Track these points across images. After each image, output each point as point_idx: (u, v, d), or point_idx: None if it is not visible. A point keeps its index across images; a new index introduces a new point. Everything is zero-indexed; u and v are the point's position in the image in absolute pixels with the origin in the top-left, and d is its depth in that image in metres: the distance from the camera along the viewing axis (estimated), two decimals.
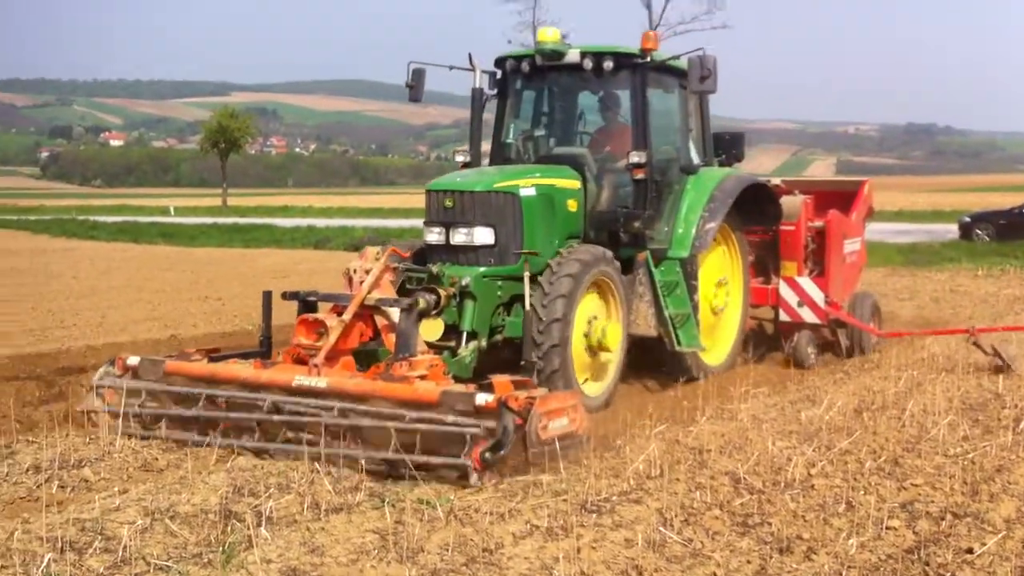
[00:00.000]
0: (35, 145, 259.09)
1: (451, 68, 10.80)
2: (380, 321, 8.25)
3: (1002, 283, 20.37)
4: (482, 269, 9.23)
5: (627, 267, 10.05)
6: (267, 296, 8.78)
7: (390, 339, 8.13)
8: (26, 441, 7.52)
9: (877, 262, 23.43)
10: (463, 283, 8.94)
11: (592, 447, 7.02)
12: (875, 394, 9.18)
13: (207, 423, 7.58)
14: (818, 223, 12.33)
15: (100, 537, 5.32)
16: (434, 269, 9.03)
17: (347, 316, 7.98)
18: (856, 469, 6.72)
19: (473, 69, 10.71)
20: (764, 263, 12.32)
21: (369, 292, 8.14)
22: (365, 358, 8.32)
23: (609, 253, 9.68)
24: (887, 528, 5.60)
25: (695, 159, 11.07)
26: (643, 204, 10.25)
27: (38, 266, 26.36)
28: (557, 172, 10.05)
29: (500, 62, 11.00)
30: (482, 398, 6.67)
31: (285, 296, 8.66)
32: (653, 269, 10.18)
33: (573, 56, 10.42)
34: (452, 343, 8.86)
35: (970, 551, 5.28)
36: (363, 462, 6.71)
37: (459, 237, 9.35)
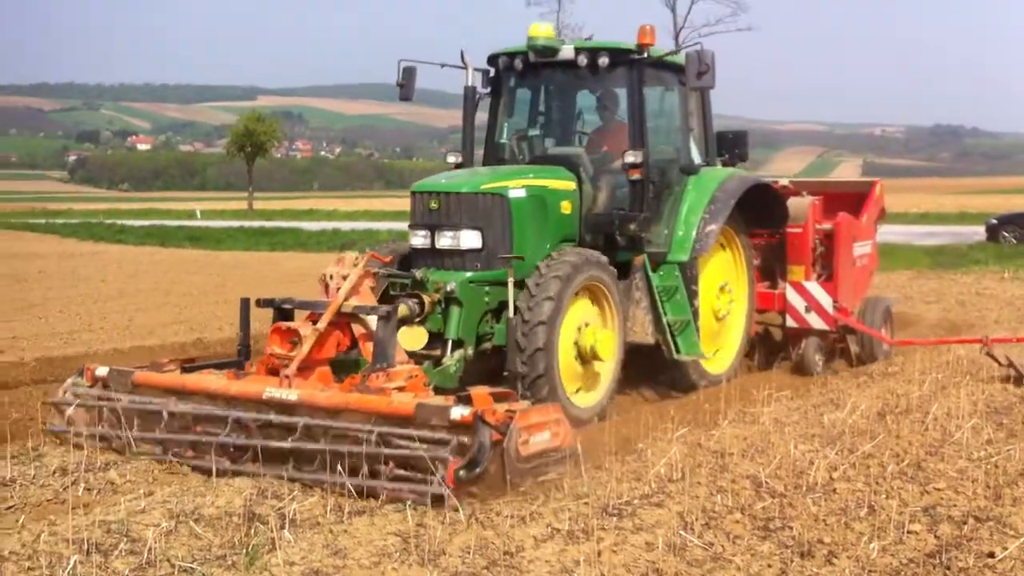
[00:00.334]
0: (63, 149, 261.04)
1: (443, 66, 10.55)
2: (358, 330, 7.87)
3: None
4: (469, 274, 8.85)
5: (625, 272, 9.68)
6: (244, 303, 8.42)
7: (368, 348, 7.71)
8: (53, 444, 7.61)
9: (903, 264, 23.39)
10: (448, 289, 8.57)
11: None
12: (899, 398, 9.15)
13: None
14: (826, 225, 11.97)
15: (125, 539, 5.38)
16: (418, 274, 8.71)
17: (322, 324, 7.58)
18: (878, 473, 6.71)
19: (465, 67, 10.42)
20: (771, 267, 11.94)
21: (346, 299, 7.76)
22: (347, 368, 7.92)
23: (602, 257, 9.26)
24: (909, 532, 5.59)
25: (696, 159, 10.70)
26: (640, 206, 9.86)
27: (66, 269, 26.57)
28: (551, 173, 9.70)
29: (493, 59, 10.62)
30: (458, 412, 6.30)
31: (259, 303, 8.30)
32: (651, 273, 9.79)
33: (567, 52, 10.08)
34: (437, 352, 8.50)
35: (992, 555, 5.27)
36: (327, 487, 6.39)
37: (445, 240, 9.00)
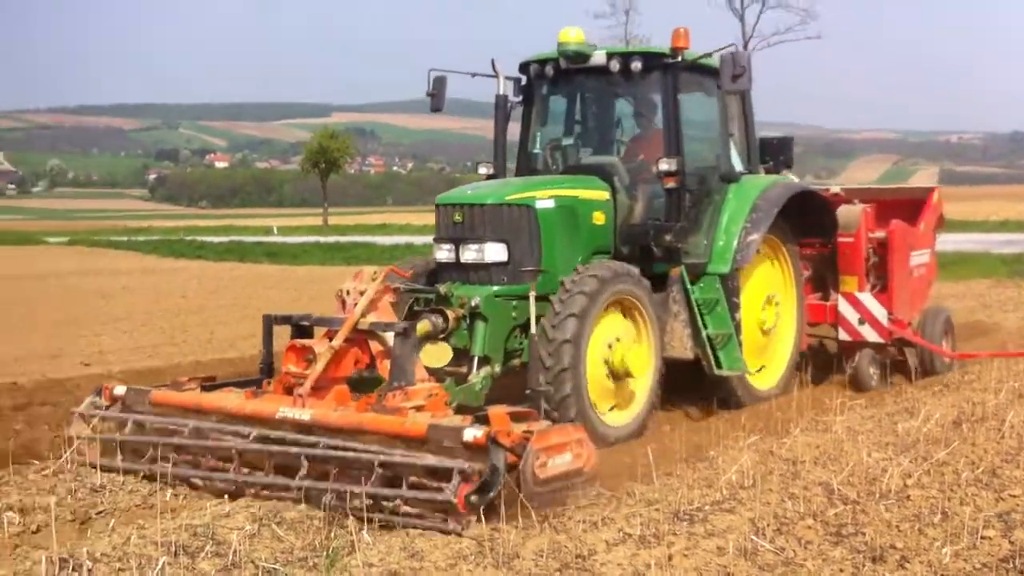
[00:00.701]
0: (143, 168, 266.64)
1: (473, 75, 10.38)
2: (375, 347, 7.59)
3: None
4: (494, 288, 8.57)
5: (662, 284, 9.36)
6: (268, 320, 8.18)
7: (385, 366, 7.46)
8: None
9: (981, 273, 23.01)
10: (473, 304, 8.27)
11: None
12: (974, 406, 9.04)
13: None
14: (880, 234, 11.40)
15: (211, 542, 5.59)
16: (442, 289, 8.46)
17: (336, 342, 7.32)
18: (953, 480, 6.67)
19: (496, 75, 10.23)
20: (823, 278, 11.50)
21: (363, 315, 7.49)
22: (370, 387, 7.58)
23: (634, 270, 8.90)
24: (982, 538, 5.56)
25: (737, 166, 10.31)
26: (676, 215, 9.51)
27: (148, 285, 27.25)
28: (583, 183, 9.41)
29: (524, 67, 10.31)
30: (471, 433, 6.01)
31: (277, 320, 8.12)
32: (689, 286, 9.44)
33: (599, 58, 9.70)
34: (463, 369, 8.21)
35: None
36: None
37: (469, 254, 8.72)
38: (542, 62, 10.09)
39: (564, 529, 5.76)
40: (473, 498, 5.73)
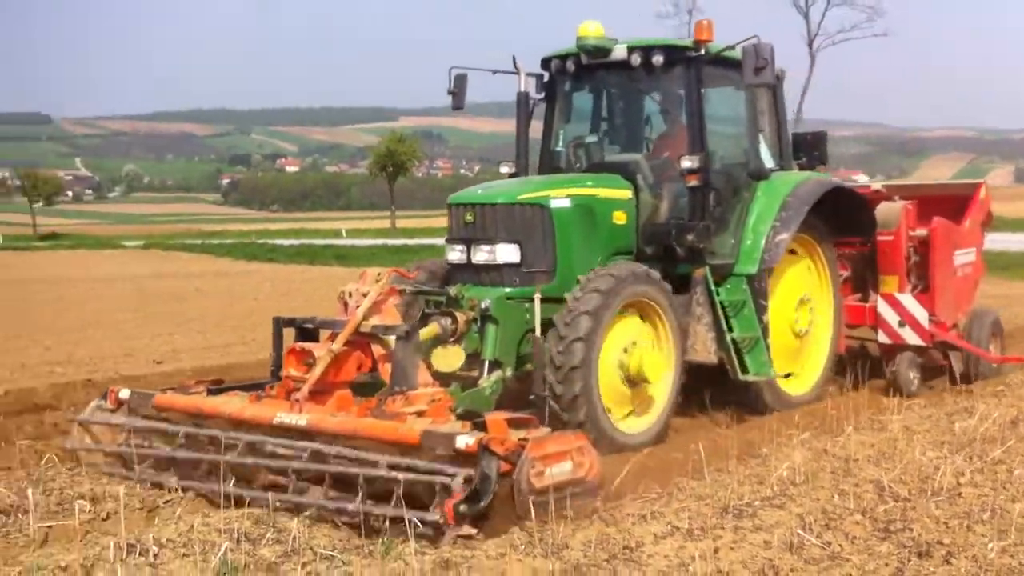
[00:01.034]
0: (216, 172, 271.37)
1: (495, 72, 10.14)
2: (377, 350, 7.33)
3: None
4: (506, 290, 8.36)
5: (686, 285, 9.09)
6: (277, 323, 7.93)
7: (386, 370, 7.21)
8: None
9: None
10: (483, 306, 8.01)
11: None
12: None
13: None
14: (921, 232, 10.99)
15: (272, 529, 5.78)
16: (452, 291, 8.20)
17: (336, 345, 7.08)
18: (1005, 478, 6.68)
19: (517, 72, 10.04)
20: (863, 278, 11.14)
21: (366, 317, 7.22)
22: (375, 391, 7.28)
23: (653, 272, 8.55)
24: None
25: (767, 162, 9.91)
26: (700, 214, 9.17)
27: (221, 288, 27.76)
28: (604, 181, 9.10)
29: (545, 63, 10.03)
30: (463, 440, 5.80)
31: (282, 322, 7.89)
32: (713, 288, 9.10)
33: (620, 52, 9.40)
34: (475, 373, 7.96)
35: None
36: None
37: (480, 255, 8.49)
38: (563, 57, 9.83)
39: (613, 522, 5.86)
40: (463, 507, 5.54)
